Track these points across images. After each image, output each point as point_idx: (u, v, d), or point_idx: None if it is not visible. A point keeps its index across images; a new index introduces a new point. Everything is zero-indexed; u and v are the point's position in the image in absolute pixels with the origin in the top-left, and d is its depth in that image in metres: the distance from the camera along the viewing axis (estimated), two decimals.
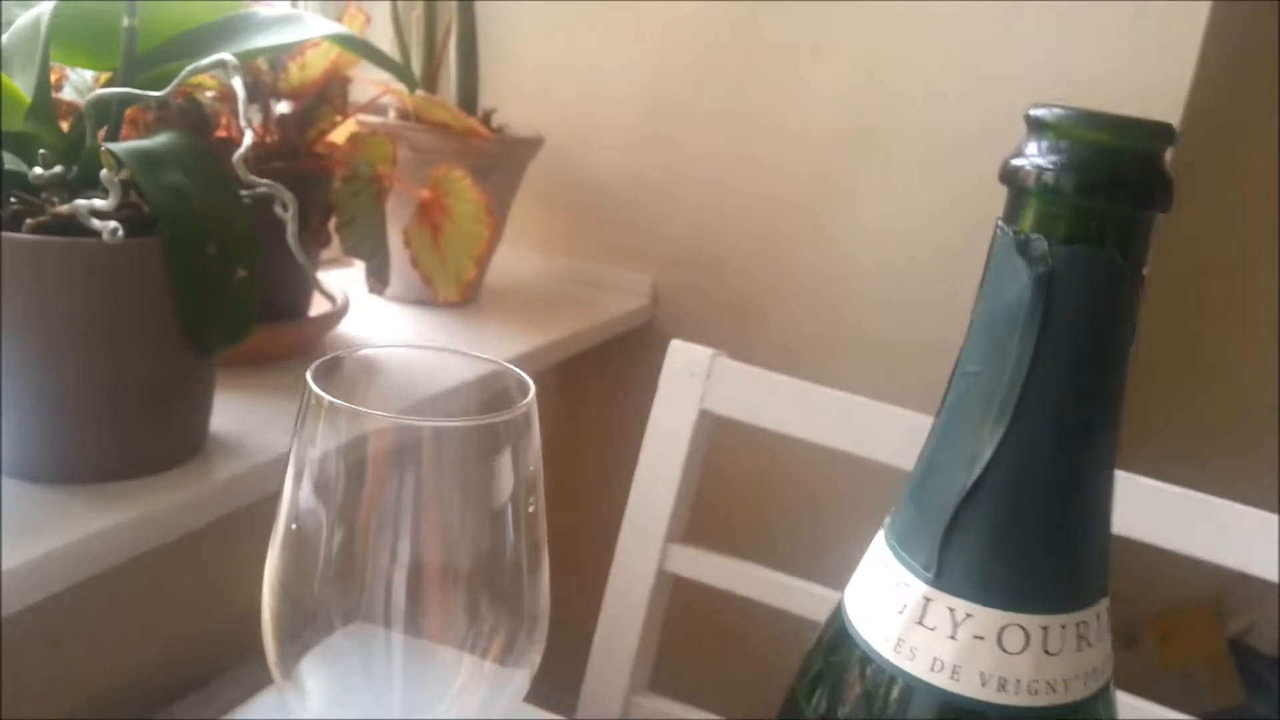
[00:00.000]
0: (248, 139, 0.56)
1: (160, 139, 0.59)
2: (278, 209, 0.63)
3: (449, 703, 0.32)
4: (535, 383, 0.35)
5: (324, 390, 0.31)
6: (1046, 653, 0.29)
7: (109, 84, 0.64)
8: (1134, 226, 0.28)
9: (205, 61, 0.57)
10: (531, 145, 1.07)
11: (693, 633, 0.98)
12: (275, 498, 0.71)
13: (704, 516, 0.81)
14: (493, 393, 0.34)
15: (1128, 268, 0.28)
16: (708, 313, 1.22)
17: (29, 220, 0.56)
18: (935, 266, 1.10)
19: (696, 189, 1.19)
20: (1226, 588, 1.57)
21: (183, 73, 0.57)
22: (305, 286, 0.86)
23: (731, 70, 1.14)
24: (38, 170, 0.56)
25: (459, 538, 0.31)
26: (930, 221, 1.09)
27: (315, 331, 0.89)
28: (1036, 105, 0.28)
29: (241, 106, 0.56)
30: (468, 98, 1.03)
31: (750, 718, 0.83)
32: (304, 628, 0.32)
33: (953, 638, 0.29)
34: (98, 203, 0.54)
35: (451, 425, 0.30)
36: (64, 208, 0.55)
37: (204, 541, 0.72)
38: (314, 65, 0.78)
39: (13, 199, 0.58)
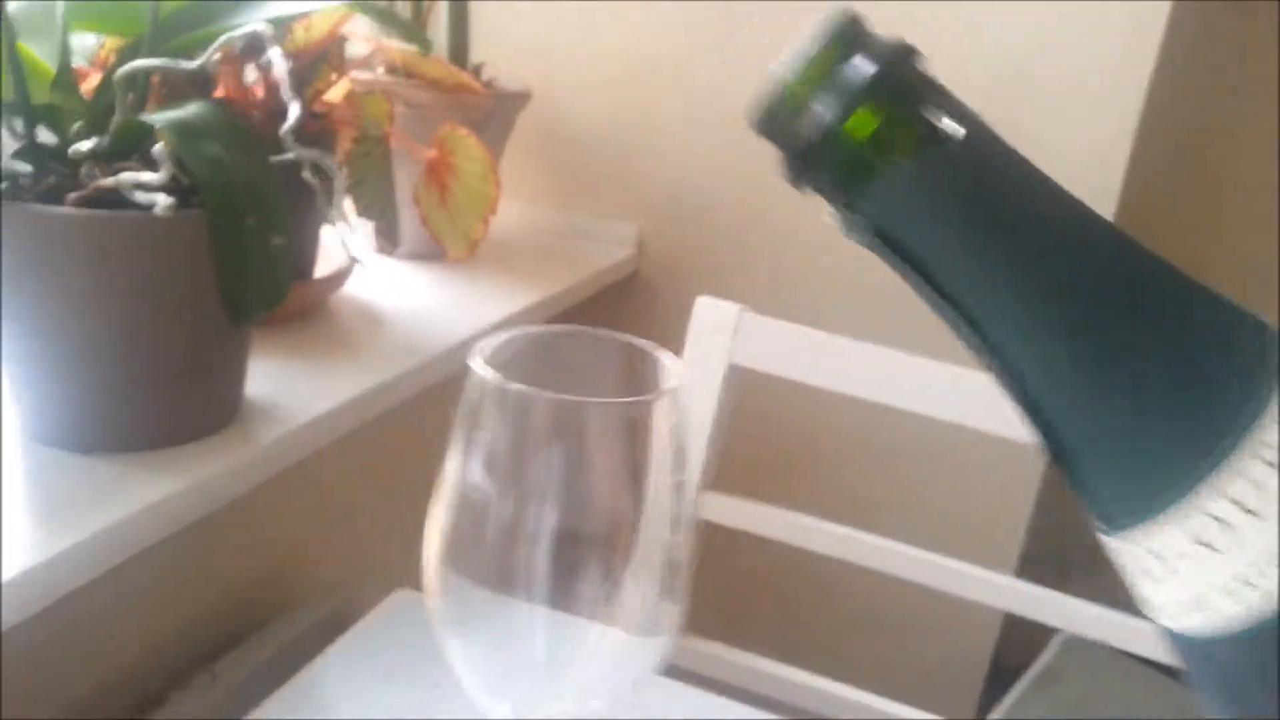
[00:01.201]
0: (295, 110, 0.56)
1: (193, 109, 0.59)
2: (306, 174, 0.64)
3: (593, 669, 0.34)
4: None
5: (487, 370, 0.32)
6: None
7: (129, 52, 0.64)
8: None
9: (240, 31, 0.57)
10: (520, 99, 1.07)
11: (723, 576, 1.02)
12: (310, 461, 0.72)
13: (729, 463, 0.83)
14: (631, 368, 0.35)
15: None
16: (692, 262, 1.24)
17: (71, 195, 0.56)
18: None
19: (681, 137, 1.21)
20: None
21: (217, 41, 0.57)
22: (312, 248, 0.86)
23: (720, 15, 1.15)
24: (81, 145, 0.56)
25: (613, 510, 0.33)
26: None
27: (323, 291, 0.89)
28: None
29: (285, 76, 0.56)
30: (459, 53, 1.03)
31: (781, 656, 0.87)
32: (464, 594, 0.33)
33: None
34: (144, 175, 0.54)
35: (608, 402, 0.32)
36: (107, 181, 0.55)
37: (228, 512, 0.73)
38: (319, 26, 0.78)
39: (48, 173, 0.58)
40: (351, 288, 0.95)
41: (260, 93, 0.82)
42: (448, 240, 0.84)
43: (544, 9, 1.21)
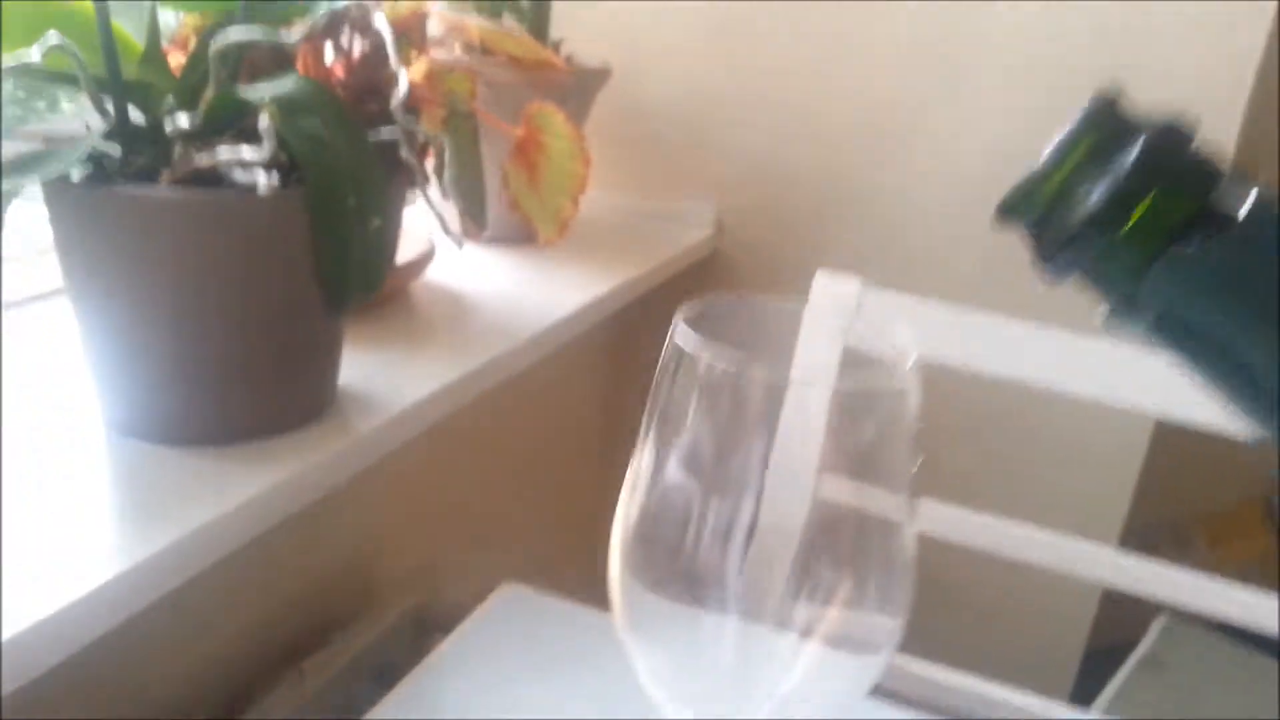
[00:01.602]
0: (404, 83, 0.53)
1: (291, 84, 0.56)
2: (404, 152, 0.61)
3: (795, 688, 0.30)
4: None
5: (694, 343, 0.29)
6: None
7: (218, 27, 0.61)
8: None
9: (342, 3, 0.54)
10: (601, 75, 1.04)
11: None
12: (398, 451, 0.70)
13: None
14: (852, 349, 0.32)
15: None
16: (770, 241, 1.20)
17: (165, 172, 0.53)
18: None
19: (758, 116, 1.17)
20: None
21: (318, 11, 0.54)
22: (397, 231, 0.83)
23: None
24: (178, 121, 0.53)
25: (828, 508, 0.30)
26: (1005, 148, 1.07)
27: (406, 277, 0.86)
28: None
29: (391, 49, 0.53)
30: (538, 29, 1.00)
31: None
32: (657, 581, 0.30)
33: None
34: (246, 152, 0.51)
35: (830, 388, 0.28)
36: (206, 159, 0.52)
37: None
38: (404, 3, 0.75)
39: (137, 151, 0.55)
40: (432, 274, 0.92)
41: (340, 72, 0.79)
42: (539, 221, 0.80)
43: None
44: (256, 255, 0.55)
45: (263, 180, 0.51)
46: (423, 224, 1.01)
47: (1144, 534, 1.49)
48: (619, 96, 1.16)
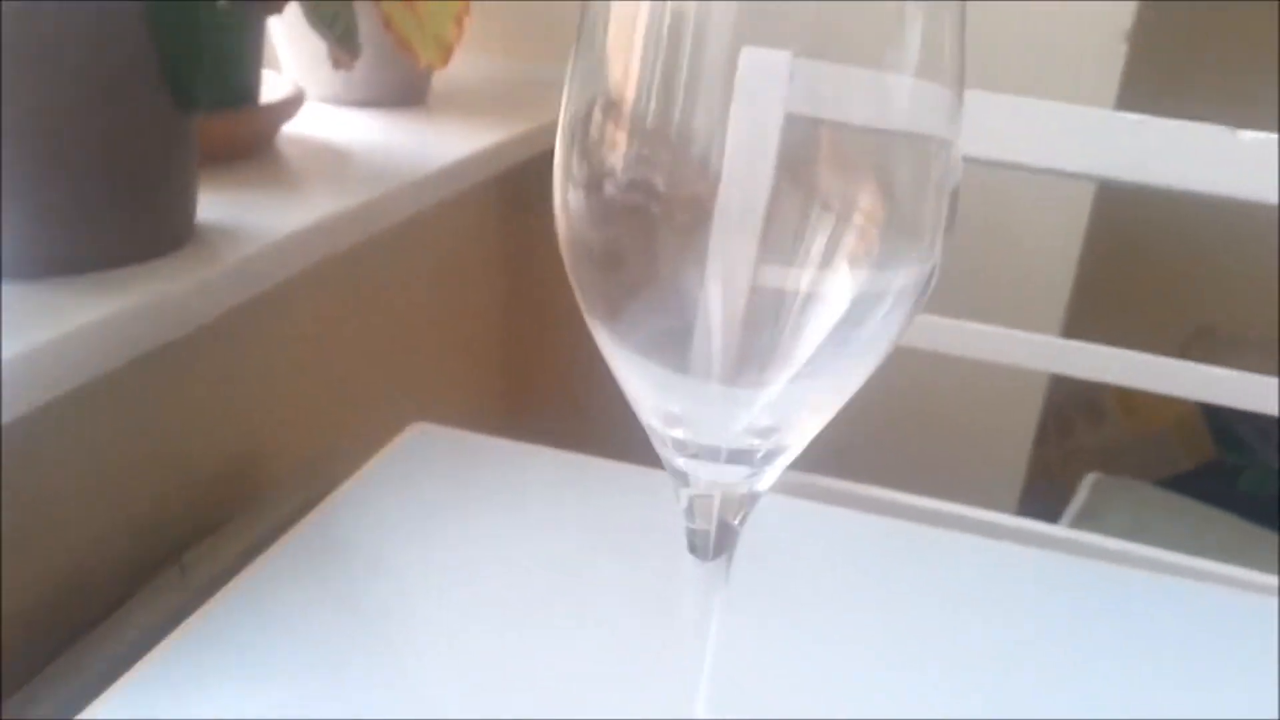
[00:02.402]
0: None
1: None
2: None
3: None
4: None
5: None
6: None
7: None
8: None
9: None
10: None
11: None
12: (275, 292, 0.60)
13: None
14: None
15: None
16: None
17: None
18: None
19: None
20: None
21: None
22: (256, 68, 0.73)
23: None
24: None
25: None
26: None
27: (271, 122, 0.76)
28: None
29: None
30: None
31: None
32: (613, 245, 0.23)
33: None
34: None
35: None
36: None
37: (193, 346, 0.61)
38: None
39: None
40: (303, 129, 0.82)
41: None
42: (419, 45, 0.71)
43: None
44: (77, 38, 0.45)
45: None
46: (287, 74, 0.91)
47: (1060, 408, 1.48)
48: None
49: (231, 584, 0.44)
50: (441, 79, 1.02)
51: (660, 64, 0.24)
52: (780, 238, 0.24)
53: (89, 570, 0.63)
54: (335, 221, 0.64)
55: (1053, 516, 1.10)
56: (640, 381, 0.25)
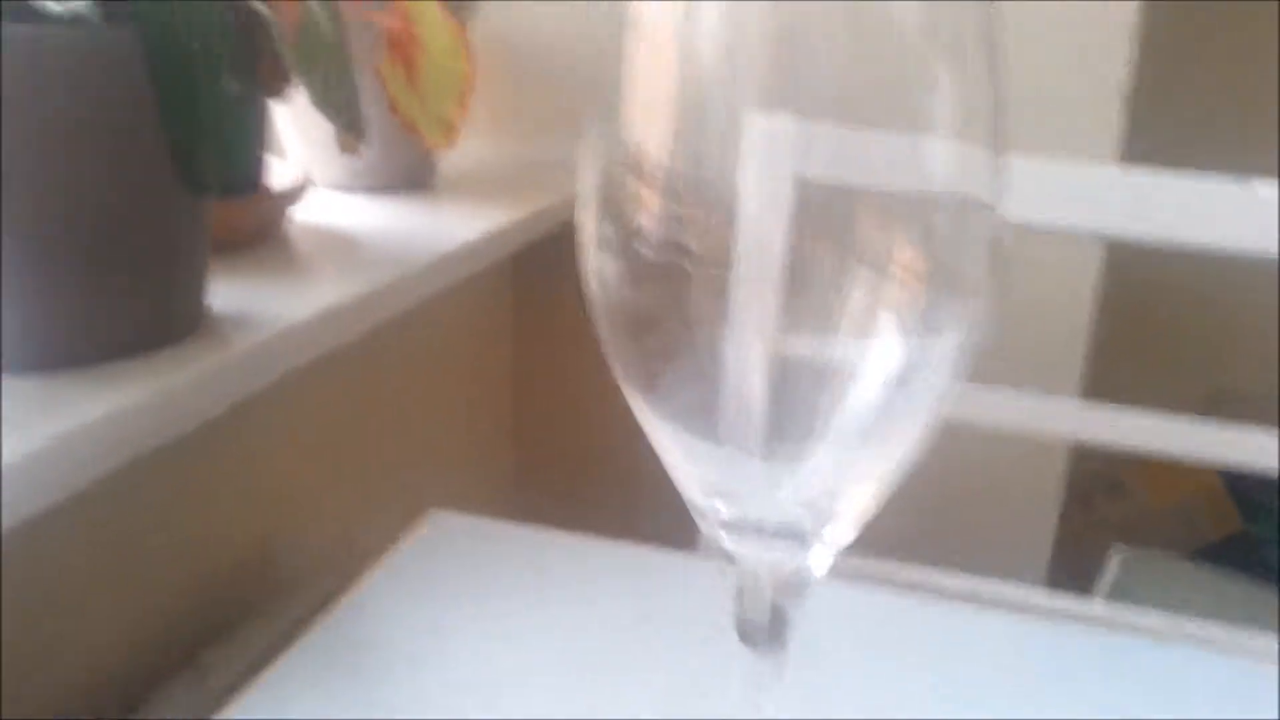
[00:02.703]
0: None
1: None
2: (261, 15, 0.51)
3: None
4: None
5: None
6: None
7: None
8: None
9: None
10: None
11: None
12: (286, 380, 0.59)
13: None
14: None
15: None
16: None
17: None
18: None
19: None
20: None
21: None
22: (260, 155, 0.73)
23: None
24: None
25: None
26: None
27: (276, 209, 0.76)
28: None
29: None
30: None
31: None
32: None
33: None
34: None
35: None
36: None
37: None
38: None
39: None
40: (309, 217, 0.82)
41: None
42: (423, 127, 0.71)
43: None
44: (85, 111, 0.44)
45: (82, 8, 0.40)
46: (293, 160, 0.91)
47: (1081, 483, 1.45)
48: (506, 31, 1.08)
49: (251, 687, 0.42)
50: (447, 163, 1.02)
51: (686, 124, 0.23)
52: (809, 303, 0.23)
53: (99, 673, 0.61)
54: (347, 307, 0.63)
55: (1082, 588, 1.07)
56: (679, 453, 0.24)
